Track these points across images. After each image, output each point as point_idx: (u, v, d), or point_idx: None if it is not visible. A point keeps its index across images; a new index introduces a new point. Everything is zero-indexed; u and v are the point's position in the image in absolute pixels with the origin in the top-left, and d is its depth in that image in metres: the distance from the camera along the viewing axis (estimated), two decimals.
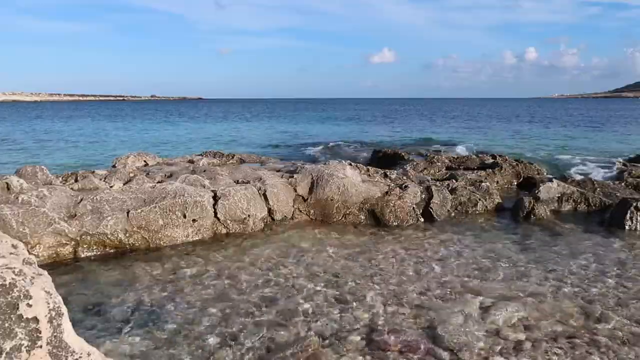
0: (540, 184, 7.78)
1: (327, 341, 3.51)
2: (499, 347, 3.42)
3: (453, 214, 7.27)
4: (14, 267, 2.07)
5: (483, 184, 8.15)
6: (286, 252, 5.58)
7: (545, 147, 17.82)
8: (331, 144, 17.75)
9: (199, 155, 10.63)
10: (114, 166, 8.81)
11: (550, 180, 8.10)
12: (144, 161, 9.12)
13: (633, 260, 5.23)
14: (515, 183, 9.75)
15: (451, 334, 3.56)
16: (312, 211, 6.80)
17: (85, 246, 5.41)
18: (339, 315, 3.93)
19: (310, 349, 3.34)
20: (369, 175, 7.93)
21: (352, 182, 7.02)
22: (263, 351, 3.39)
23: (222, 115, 50.66)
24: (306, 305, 4.11)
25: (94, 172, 7.39)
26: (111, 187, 6.42)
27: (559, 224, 6.77)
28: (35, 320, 2.00)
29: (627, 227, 6.42)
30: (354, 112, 58.96)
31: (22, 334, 1.95)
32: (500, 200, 7.76)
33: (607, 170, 11.31)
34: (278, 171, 7.63)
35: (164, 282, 4.67)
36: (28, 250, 2.78)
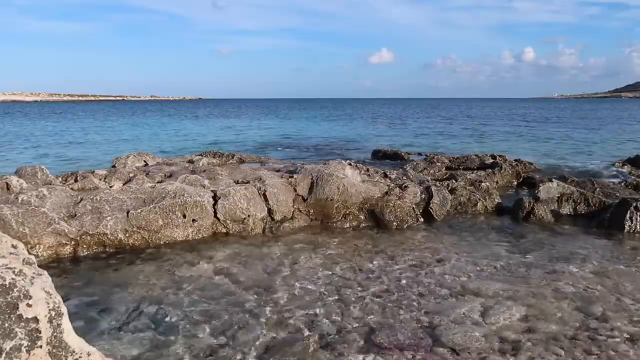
0: (540, 184, 7.78)
1: (327, 341, 3.51)
2: (499, 347, 3.42)
3: (453, 214, 7.27)
4: (14, 267, 2.07)
5: (483, 184, 8.15)
6: (286, 252, 5.58)
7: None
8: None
9: (198, 155, 10.64)
10: (113, 166, 8.81)
11: (550, 180, 8.09)
12: (144, 161, 9.12)
13: (633, 260, 5.23)
14: (515, 183, 9.74)
15: (451, 334, 3.56)
16: (311, 211, 6.79)
17: (85, 246, 5.41)
18: (339, 315, 3.92)
19: (310, 349, 3.34)
20: (369, 175, 7.93)
21: (351, 182, 7.02)
22: (263, 351, 3.38)
23: (218, 115, 50.70)
24: (306, 306, 4.11)
25: (93, 172, 7.39)
26: (111, 187, 6.42)
27: (559, 224, 6.77)
28: (35, 320, 1.99)
29: (626, 227, 6.42)
30: (350, 111, 59.01)
31: (22, 334, 1.95)
32: (500, 201, 7.76)
33: (605, 171, 11.31)
34: (278, 171, 7.63)
35: (164, 282, 4.67)
36: (28, 250, 2.77)
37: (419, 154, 13.47)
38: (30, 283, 2.04)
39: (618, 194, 7.81)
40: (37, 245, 5.14)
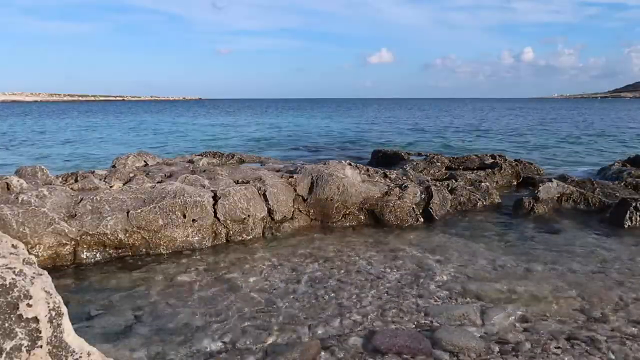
0: (540, 184, 7.78)
1: (326, 344, 3.50)
2: (499, 348, 3.42)
3: (453, 214, 7.27)
4: (14, 267, 2.07)
5: (483, 184, 8.16)
6: (285, 253, 5.58)
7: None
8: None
9: (198, 155, 10.63)
10: (113, 166, 8.81)
11: (550, 180, 8.10)
12: (144, 161, 9.12)
13: (633, 261, 5.23)
14: (515, 183, 9.75)
15: (450, 335, 3.56)
16: (311, 211, 6.80)
17: (85, 246, 5.41)
18: (338, 318, 3.92)
19: (309, 353, 3.34)
20: (369, 175, 7.93)
21: (351, 182, 7.02)
22: (262, 355, 3.38)
23: (217, 115, 50.72)
24: (305, 308, 4.11)
25: (93, 172, 7.39)
26: (111, 187, 6.42)
27: (559, 224, 6.77)
28: (35, 320, 2.00)
29: (626, 227, 6.43)
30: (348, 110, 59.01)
31: (22, 334, 1.95)
32: (500, 201, 7.77)
33: (605, 171, 11.30)
34: (278, 171, 7.63)
35: (164, 283, 4.67)
36: (28, 250, 2.77)
37: (419, 154, 13.45)
38: (30, 283, 2.04)
39: (618, 194, 7.81)
40: (37, 245, 5.14)
